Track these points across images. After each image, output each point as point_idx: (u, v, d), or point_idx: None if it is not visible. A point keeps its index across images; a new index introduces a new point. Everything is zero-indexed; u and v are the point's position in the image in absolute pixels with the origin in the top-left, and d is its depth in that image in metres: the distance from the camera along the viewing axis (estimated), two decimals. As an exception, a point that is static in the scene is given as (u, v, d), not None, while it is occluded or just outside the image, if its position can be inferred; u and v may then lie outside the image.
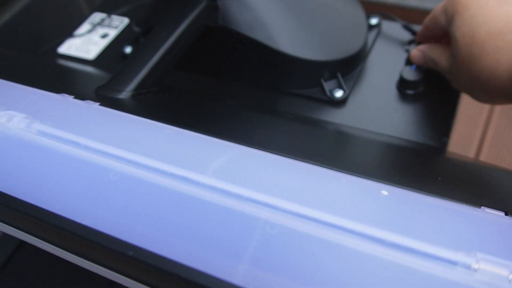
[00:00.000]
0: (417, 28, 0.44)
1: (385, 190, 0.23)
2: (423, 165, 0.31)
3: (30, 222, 0.23)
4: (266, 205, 0.21)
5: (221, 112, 0.37)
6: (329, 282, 0.18)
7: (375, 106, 0.41)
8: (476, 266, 0.18)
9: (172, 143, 0.26)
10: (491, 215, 0.22)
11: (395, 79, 0.42)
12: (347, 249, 0.19)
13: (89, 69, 0.48)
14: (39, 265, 0.60)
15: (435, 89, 0.41)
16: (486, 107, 0.57)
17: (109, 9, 0.56)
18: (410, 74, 0.41)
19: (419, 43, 0.42)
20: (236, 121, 0.35)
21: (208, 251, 0.19)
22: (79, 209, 0.22)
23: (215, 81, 0.45)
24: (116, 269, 0.22)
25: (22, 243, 0.61)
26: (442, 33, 0.37)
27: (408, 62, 0.43)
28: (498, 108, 0.57)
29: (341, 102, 0.41)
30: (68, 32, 0.54)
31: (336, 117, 0.40)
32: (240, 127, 0.32)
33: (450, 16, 0.33)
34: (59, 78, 0.43)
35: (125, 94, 0.33)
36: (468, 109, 0.57)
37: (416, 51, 0.40)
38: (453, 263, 0.18)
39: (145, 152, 0.24)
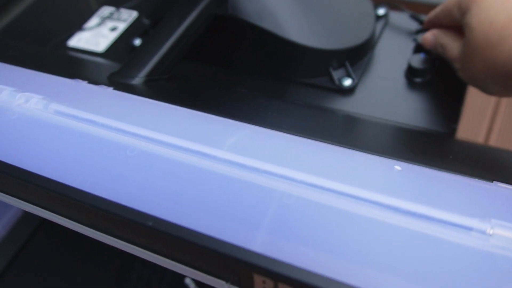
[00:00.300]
0: (425, 18, 0.45)
1: (398, 166, 0.23)
2: (433, 146, 0.31)
3: (51, 198, 0.23)
4: (282, 177, 0.21)
5: (232, 97, 0.38)
6: (347, 249, 0.18)
7: (384, 94, 0.41)
8: (491, 231, 0.18)
9: (187, 122, 0.26)
10: (504, 189, 0.22)
11: (403, 67, 0.43)
12: (363, 217, 0.19)
13: (99, 60, 0.48)
14: (47, 261, 0.61)
15: (443, 77, 0.41)
16: (492, 99, 0.57)
17: (118, 2, 0.56)
18: (418, 62, 0.41)
19: (426, 29, 0.42)
20: (247, 105, 0.35)
21: (227, 221, 0.20)
22: (98, 183, 0.22)
23: (224, 70, 0.45)
24: (135, 242, 0.22)
25: (28, 240, 0.62)
26: (452, 25, 0.37)
27: (416, 50, 0.43)
28: (505, 100, 0.57)
29: (350, 91, 0.41)
30: (77, 26, 0.54)
31: (345, 105, 0.41)
32: (252, 110, 0.33)
33: (465, 7, 0.33)
34: (71, 67, 0.44)
35: (137, 80, 0.34)
36: (475, 101, 0.57)
37: (429, 34, 0.40)
38: (469, 228, 0.18)
39: (160, 130, 0.24)
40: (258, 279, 0.19)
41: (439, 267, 0.17)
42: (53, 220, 0.25)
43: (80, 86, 0.31)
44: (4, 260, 0.58)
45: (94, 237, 0.24)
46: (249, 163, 0.22)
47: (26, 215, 0.61)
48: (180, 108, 0.28)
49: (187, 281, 0.54)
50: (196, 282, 0.53)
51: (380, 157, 0.24)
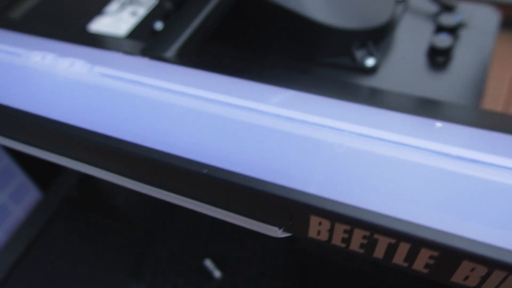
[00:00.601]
0: (444, 1, 0.46)
1: (438, 123, 0.24)
2: (464, 113, 0.32)
3: (107, 154, 0.24)
4: (331, 128, 0.22)
5: (265, 70, 0.38)
6: (400, 190, 0.19)
7: (406, 73, 0.42)
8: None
9: (229, 85, 0.27)
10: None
11: (424, 48, 0.43)
12: (412, 162, 0.20)
13: (125, 41, 0.49)
14: (67, 244, 0.61)
15: (464, 56, 0.42)
16: (505, 85, 0.58)
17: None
18: (439, 42, 0.42)
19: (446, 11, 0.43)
20: (278, 76, 0.36)
21: (283, 168, 0.20)
22: (152, 138, 0.23)
23: (247, 51, 0.46)
24: (190, 194, 0.23)
25: (47, 225, 0.62)
26: None
27: (437, 32, 0.44)
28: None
29: (372, 70, 0.42)
30: (95, 12, 0.55)
31: (368, 84, 0.41)
32: (286, 80, 0.34)
33: None
34: (100, 45, 0.44)
35: (170, 52, 0.34)
36: (490, 82, 0.57)
37: None
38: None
39: (207, 89, 0.25)
40: (314, 221, 0.19)
41: (490, 205, 0.18)
42: (102, 178, 0.25)
43: (117, 55, 0.31)
44: (23, 245, 0.58)
45: (145, 192, 0.24)
46: (299, 117, 0.22)
47: (44, 200, 0.62)
48: (219, 74, 0.29)
49: (207, 263, 0.54)
50: (215, 263, 0.54)
51: (419, 117, 0.25)
